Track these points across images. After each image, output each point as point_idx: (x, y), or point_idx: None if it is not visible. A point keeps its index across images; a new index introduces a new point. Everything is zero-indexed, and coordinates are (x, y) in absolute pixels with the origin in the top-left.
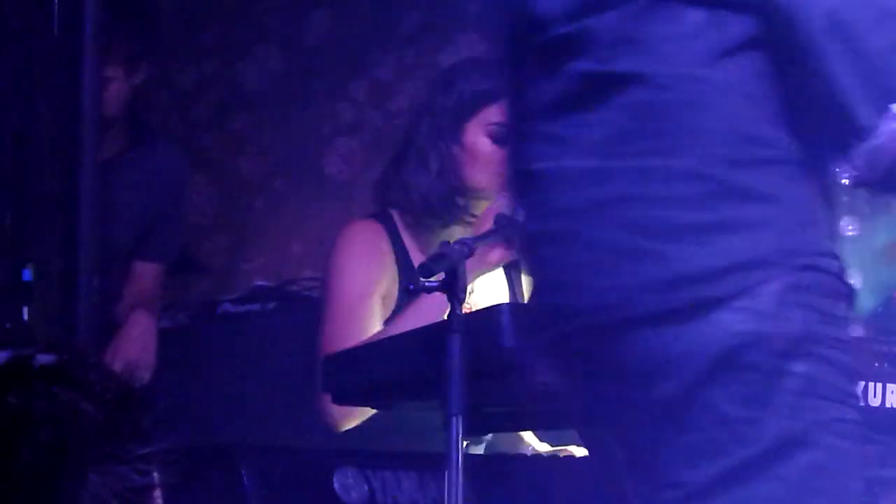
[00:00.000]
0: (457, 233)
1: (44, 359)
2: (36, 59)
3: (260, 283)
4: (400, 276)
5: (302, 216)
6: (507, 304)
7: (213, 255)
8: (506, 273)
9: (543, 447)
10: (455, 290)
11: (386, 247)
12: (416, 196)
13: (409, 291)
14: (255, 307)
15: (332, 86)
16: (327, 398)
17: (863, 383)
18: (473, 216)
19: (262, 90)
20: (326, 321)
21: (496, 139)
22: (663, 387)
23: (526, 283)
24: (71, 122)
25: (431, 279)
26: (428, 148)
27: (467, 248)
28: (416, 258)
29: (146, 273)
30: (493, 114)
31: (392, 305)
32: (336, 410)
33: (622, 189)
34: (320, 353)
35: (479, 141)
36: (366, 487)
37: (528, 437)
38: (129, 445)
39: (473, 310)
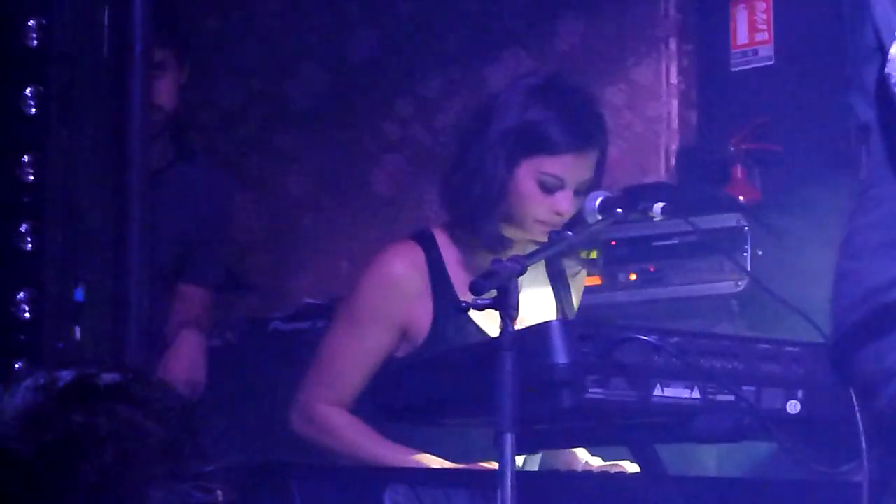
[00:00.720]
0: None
1: (108, 377)
2: (85, 80)
3: (309, 300)
4: (436, 301)
5: (349, 233)
6: (558, 320)
7: (260, 272)
8: (553, 289)
9: (596, 461)
10: (506, 307)
11: (421, 273)
12: (468, 203)
13: (461, 309)
14: (305, 325)
15: (377, 103)
16: (304, 411)
17: None
18: (513, 244)
19: (307, 108)
20: (324, 355)
21: (545, 188)
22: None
23: (575, 298)
24: (119, 143)
25: (483, 297)
26: (485, 158)
27: (519, 266)
28: (459, 277)
29: (191, 295)
30: (551, 164)
31: (423, 335)
32: (312, 427)
33: None
34: (309, 372)
35: (528, 184)
36: None
37: (582, 452)
38: (191, 463)
39: (524, 326)
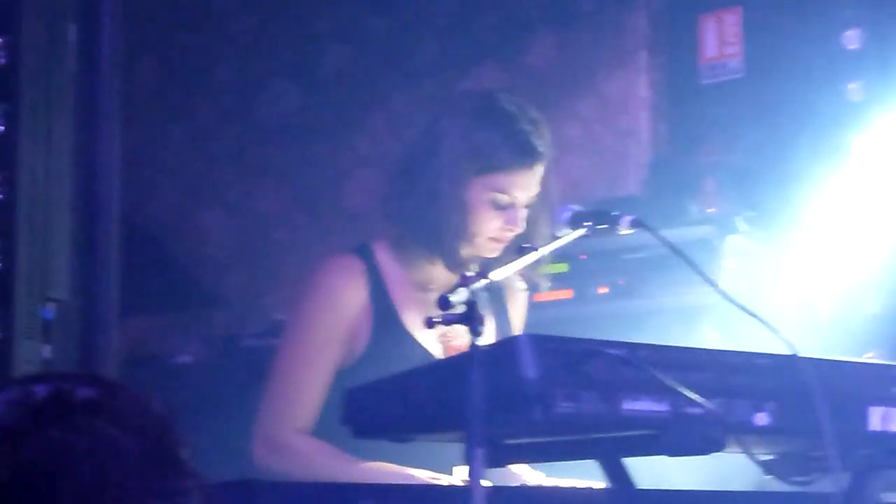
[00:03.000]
0: (441, 266)
1: (84, 392)
2: (53, 97)
3: (281, 316)
4: (375, 314)
5: (321, 248)
6: (527, 335)
7: (233, 289)
8: (492, 308)
9: (537, 476)
10: (474, 322)
11: (361, 285)
12: (424, 228)
13: (430, 324)
14: (277, 341)
15: (349, 118)
16: (268, 441)
17: (882, 409)
18: (466, 261)
19: (279, 124)
20: (277, 380)
21: (496, 206)
22: None
23: (516, 316)
24: (90, 162)
25: (451, 311)
26: (439, 187)
27: (487, 281)
28: (398, 291)
29: None
30: (500, 182)
31: (363, 345)
32: (278, 457)
33: None
34: (265, 401)
35: (480, 202)
36: None
37: (519, 468)
38: (168, 479)
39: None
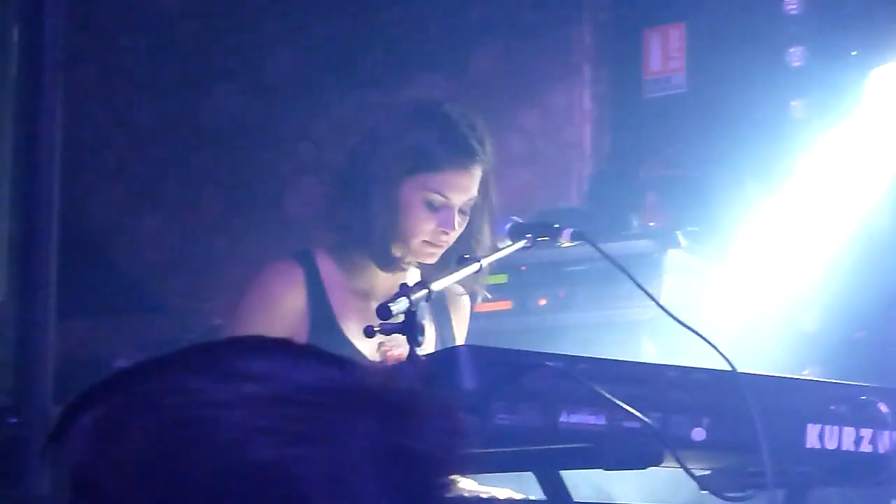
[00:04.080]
0: (384, 274)
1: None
2: None
3: (219, 322)
4: (312, 321)
5: (262, 255)
6: (466, 346)
7: (172, 294)
8: (433, 317)
9: (470, 484)
10: (414, 332)
11: (299, 291)
12: (356, 236)
13: (369, 334)
14: None
15: (292, 125)
16: None
17: (819, 426)
18: (404, 265)
19: (221, 129)
20: None
21: (430, 206)
22: None
23: (458, 325)
24: (30, 164)
25: (390, 321)
26: (372, 190)
27: (428, 291)
28: (338, 299)
29: None
30: (432, 180)
31: None
32: None
33: None
34: None
35: (413, 202)
36: None
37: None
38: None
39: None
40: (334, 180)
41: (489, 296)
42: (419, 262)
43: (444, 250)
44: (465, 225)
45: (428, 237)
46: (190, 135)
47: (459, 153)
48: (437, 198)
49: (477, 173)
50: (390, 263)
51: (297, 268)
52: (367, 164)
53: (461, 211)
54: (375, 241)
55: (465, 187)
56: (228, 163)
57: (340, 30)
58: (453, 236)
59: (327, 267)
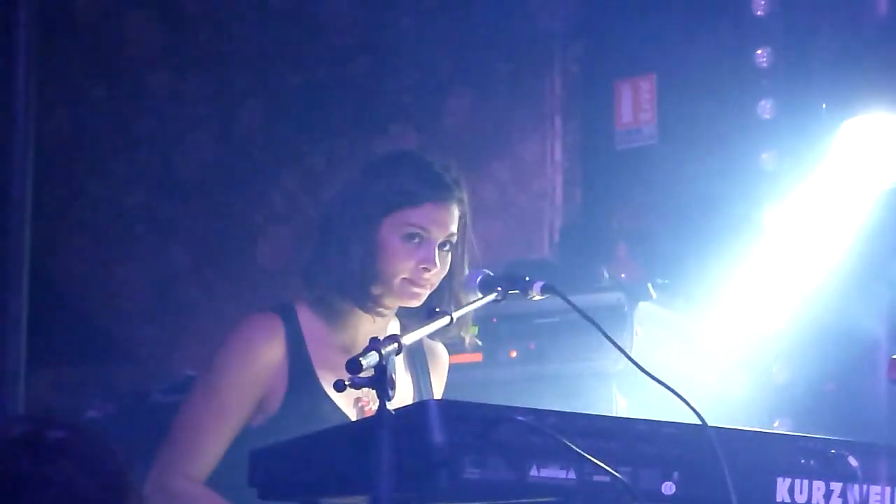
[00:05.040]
0: (364, 328)
1: (57, 433)
2: None
3: (190, 372)
4: (291, 374)
5: (234, 304)
6: (434, 400)
7: (143, 344)
8: (410, 370)
9: None
10: (384, 386)
11: (278, 344)
12: (334, 281)
13: (339, 388)
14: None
15: (264, 175)
16: (156, 484)
17: (789, 480)
18: (387, 308)
19: (194, 179)
20: (181, 425)
21: (409, 241)
22: None
23: (436, 377)
24: (1, 213)
25: (360, 375)
26: (350, 234)
27: (398, 345)
28: (318, 352)
29: None
30: (411, 216)
31: (277, 404)
32: (157, 500)
33: None
34: (164, 445)
35: (392, 240)
36: None
37: None
38: None
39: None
40: (311, 230)
41: (479, 342)
42: (402, 306)
43: (427, 291)
44: (446, 265)
45: (409, 275)
46: (162, 184)
47: (437, 188)
48: (415, 231)
49: (455, 211)
50: (371, 304)
51: (278, 321)
52: (345, 209)
53: (441, 248)
54: (355, 282)
55: (444, 222)
56: (200, 212)
57: (311, 80)
58: (435, 275)
59: (309, 320)
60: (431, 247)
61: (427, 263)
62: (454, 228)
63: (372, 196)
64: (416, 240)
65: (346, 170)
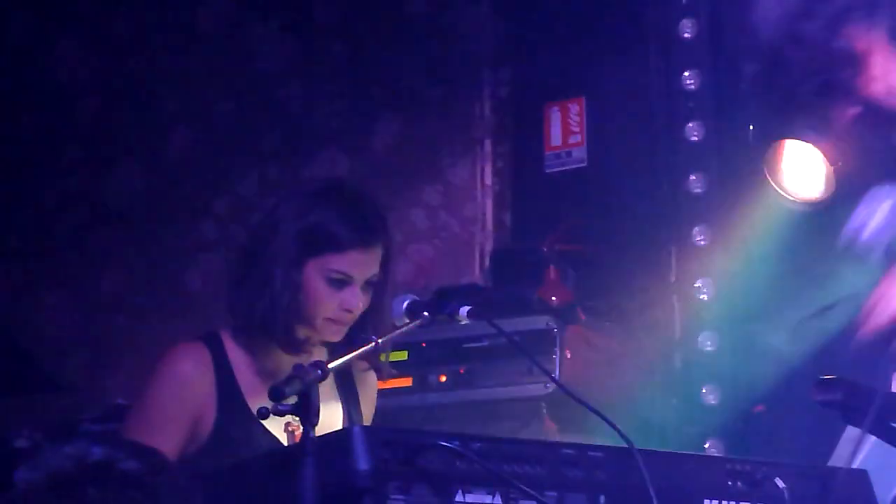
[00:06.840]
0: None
1: (130, 464)
2: None
3: (120, 401)
4: (220, 402)
5: (164, 333)
6: (359, 426)
7: (73, 372)
8: (340, 395)
9: None
10: (308, 413)
11: (207, 372)
12: (257, 316)
13: (262, 415)
14: (115, 426)
15: (193, 202)
16: None
17: (716, 502)
18: (309, 349)
19: (123, 207)
20: None
21: (333, 285)
22: None
23: (365, 402)
24: None
25: (284, 402)
26: (273, 270)
27: (321, 371)
28: (246, 379)
29: None
30: (335, 262)
31: (207, 431)
32: None
33: None
34: None
35: (316, 283)
36: None
37: None
38: None
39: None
40: (236, 261)
41: (395, 372)
42: (324, 342)
43: (348, 327)
44: (367, 300)
45: (331, 315)
46: (91, 212)
47: (361, 232)
48: (339, 276)
49: (378, 251)
50: (295, 347)
51: (205, 349)
52: (269, 245)
53: (364, 288)
54: (279, 324)
55: (368, 265)
56: (130, 240)
57: (241, 106)
58: (357, 313)
59: (234, 347)
60: (354, 289)
61: (349, 306)
62: (377, 269)
63: (297, 235)
64: (340, 283)
65: (276, 197)
